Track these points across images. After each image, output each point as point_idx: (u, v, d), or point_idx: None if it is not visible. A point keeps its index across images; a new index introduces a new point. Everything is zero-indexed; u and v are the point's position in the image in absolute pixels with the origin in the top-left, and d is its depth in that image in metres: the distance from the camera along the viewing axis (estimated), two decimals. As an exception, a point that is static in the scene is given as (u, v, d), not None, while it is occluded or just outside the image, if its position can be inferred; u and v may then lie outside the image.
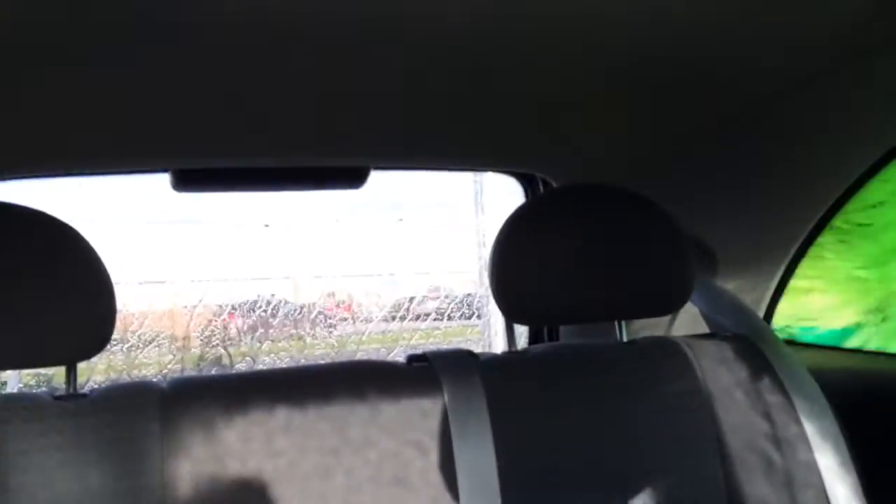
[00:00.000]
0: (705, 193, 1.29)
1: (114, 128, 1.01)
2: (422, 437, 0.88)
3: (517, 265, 1.00)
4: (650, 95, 1.06)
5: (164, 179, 1.16)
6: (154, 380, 0.93)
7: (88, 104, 0.94)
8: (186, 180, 1.16)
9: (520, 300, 1.01)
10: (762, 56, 0.93)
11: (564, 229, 1.01)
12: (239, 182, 1.21)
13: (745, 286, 1.36)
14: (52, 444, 0.79)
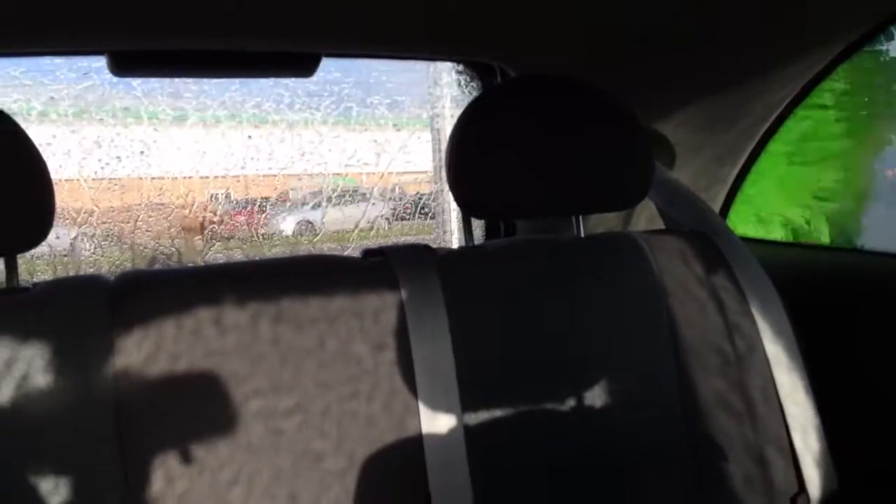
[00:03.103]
0: (664, 88, 1.26)
1: (44, 3, 0.93)
2: (378, 333, 0.87)
3: (474, 158, 0.98)
4: None
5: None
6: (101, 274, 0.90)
7: None
8: (125, 63, 1.09)
9: (476, 193, 0.98)
10: None
11: (523, 121, 0.98)
12: (181, 66, 1.15)
13: (702, 183, 1.36)
14: None
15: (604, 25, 1.15)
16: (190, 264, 1.61)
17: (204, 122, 1.70)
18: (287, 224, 2.02)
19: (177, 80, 1.57)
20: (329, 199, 1.94)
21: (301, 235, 2.00)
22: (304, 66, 1.16)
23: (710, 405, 0.94)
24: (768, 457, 0.93)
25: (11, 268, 0.83)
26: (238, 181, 1.89)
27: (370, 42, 1.21)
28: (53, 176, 0.84)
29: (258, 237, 1.91)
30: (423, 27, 1.15)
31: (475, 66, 1.37)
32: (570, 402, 0.91)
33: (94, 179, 1.63)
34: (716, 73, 1.22)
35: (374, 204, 2.11)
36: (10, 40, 1.04)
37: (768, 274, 1.00)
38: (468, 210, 1.01)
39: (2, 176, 0.79)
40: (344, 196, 1.99)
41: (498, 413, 0.88)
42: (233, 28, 1.06)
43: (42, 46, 1.10)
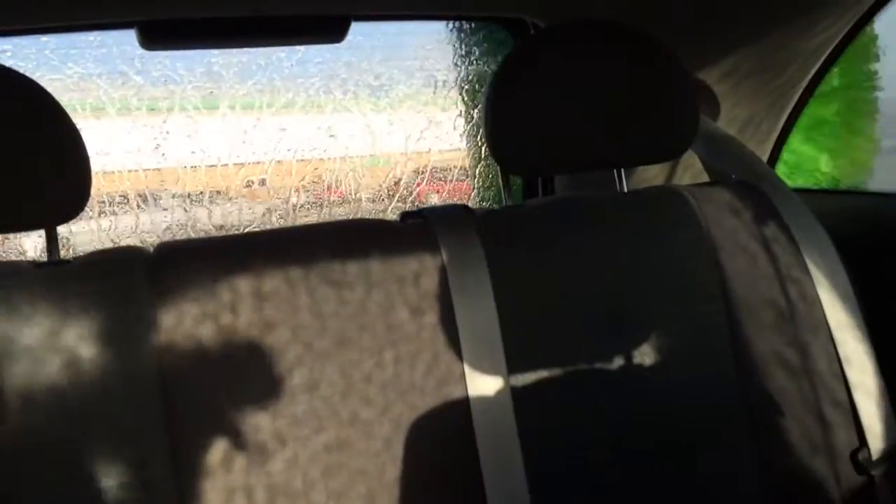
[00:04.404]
0: (706, 37, 1.21)
1: None
2: (418, 297, 0.85)
3: (511, 112, 0.94)
4: None
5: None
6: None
7: None
8: (153, 35, 1.08)
9: (515, 149, 0.95)
10: None
11: (559, 71, 0.94)
12: (208, 36, 1.14)
13: (749, 133, 1.31)
14: (39, 312, 0.75)
15: None
16: None
17: (233, 108, 1.69)
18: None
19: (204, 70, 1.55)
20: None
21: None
22: (333, 29, 1.15)
23: (765, 361, 0.90)
24: (827, 413, 0.89)
25: (52, 239, 0.83)
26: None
27: (399, 2, 1.19)
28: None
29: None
30: None
31: (507, 23, 1.33)
32: (620, 361, 0.88)
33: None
34: (760, 15, 1.17)
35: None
36: (34, 15, 1.04)
37: (822, 224, 0.95)
38: (506, 166, 0.98)
39: (37, 147, 0.78)
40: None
41: (545, 374, 0.85)
42: None
43: (69, 20, 1.10)
